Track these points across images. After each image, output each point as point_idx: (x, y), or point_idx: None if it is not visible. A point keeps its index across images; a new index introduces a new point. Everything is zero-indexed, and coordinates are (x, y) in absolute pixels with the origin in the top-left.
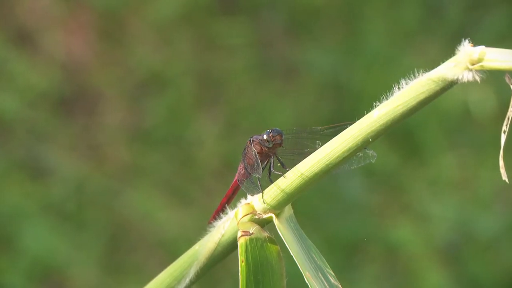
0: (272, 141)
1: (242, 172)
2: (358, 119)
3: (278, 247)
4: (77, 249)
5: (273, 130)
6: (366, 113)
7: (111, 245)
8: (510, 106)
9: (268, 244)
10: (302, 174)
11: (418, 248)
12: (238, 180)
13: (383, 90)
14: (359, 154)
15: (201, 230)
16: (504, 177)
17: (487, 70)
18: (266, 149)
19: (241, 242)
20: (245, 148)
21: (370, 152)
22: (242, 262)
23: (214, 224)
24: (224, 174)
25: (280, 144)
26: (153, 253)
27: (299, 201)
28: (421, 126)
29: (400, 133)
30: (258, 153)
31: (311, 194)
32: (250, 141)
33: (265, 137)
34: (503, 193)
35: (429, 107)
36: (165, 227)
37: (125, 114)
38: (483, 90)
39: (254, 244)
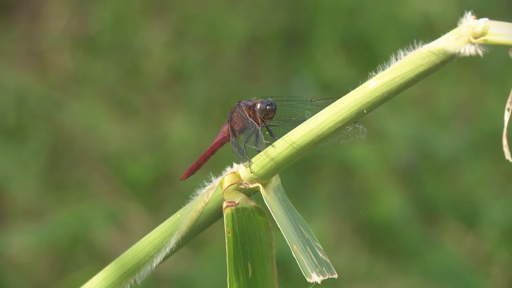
0: (265, 114)
1: (227, 134)
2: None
3: (265, 217)
4: (16, 163)
5: (272, 104)
6: (360, 82)
7: (52, 159)
8: None
9: (255, 213)
10: (293, 143)
11: (374, 167)
12: (231, 145)
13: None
14: (349, 128)
15: (145, 144)
16: (508, 156)
17: (490, 44)
18: (252, 114)
19: (226, 212)
20: (232, 111)
21: (361, 127)
22: (229, 233)
23: (198, 192)
24: (171, 85)
25: (270, 119)
26: (96, 167)
27: None
28: (379, 37)
29: (357, 44)
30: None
31: None
32: (238, 105)
33: (259, 106)
34: (462, 110)
35: (388, 16)
36: (108, 140)
37: (69, 19)
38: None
39: (241, 214)
